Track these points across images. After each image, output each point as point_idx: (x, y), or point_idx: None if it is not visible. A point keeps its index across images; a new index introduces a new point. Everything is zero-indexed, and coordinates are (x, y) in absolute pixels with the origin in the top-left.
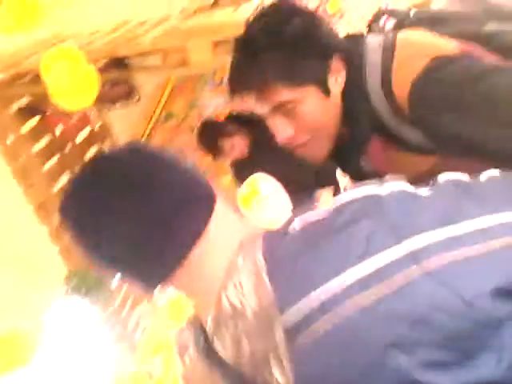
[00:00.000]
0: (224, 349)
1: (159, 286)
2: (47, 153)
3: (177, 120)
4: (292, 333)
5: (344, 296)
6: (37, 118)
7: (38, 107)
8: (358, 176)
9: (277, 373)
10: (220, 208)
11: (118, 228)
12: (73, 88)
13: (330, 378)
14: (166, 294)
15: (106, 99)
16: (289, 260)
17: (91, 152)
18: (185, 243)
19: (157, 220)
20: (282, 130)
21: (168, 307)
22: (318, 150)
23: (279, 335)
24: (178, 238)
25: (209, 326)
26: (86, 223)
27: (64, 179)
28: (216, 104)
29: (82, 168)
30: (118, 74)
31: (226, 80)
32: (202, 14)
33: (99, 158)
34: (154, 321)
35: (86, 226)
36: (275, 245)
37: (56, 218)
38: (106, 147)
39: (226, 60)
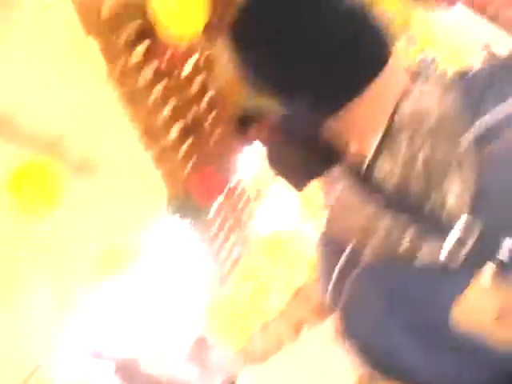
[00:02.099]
0: (391, 168)
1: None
2: (155, 79)
3: None
4: (482, 140)
5: None
6: (147, 42)
7: (149, 31)
8: None
9: (452, 190)
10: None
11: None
12: (180, 15)
13: None
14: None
15: (214, 29)
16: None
17: (197, 81)
18: (381, 56)
19: (350, 29)
20: None
21: (264, 243)
22: None
23: (467, 140)
24: (375, 47)
25: (372, 149)
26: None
27: (169, 107)
28: None
29: None
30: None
31: None
32: None
33: None
34: (247, 253)
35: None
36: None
37: (161, 142)
38: (214, 77)
39: None
